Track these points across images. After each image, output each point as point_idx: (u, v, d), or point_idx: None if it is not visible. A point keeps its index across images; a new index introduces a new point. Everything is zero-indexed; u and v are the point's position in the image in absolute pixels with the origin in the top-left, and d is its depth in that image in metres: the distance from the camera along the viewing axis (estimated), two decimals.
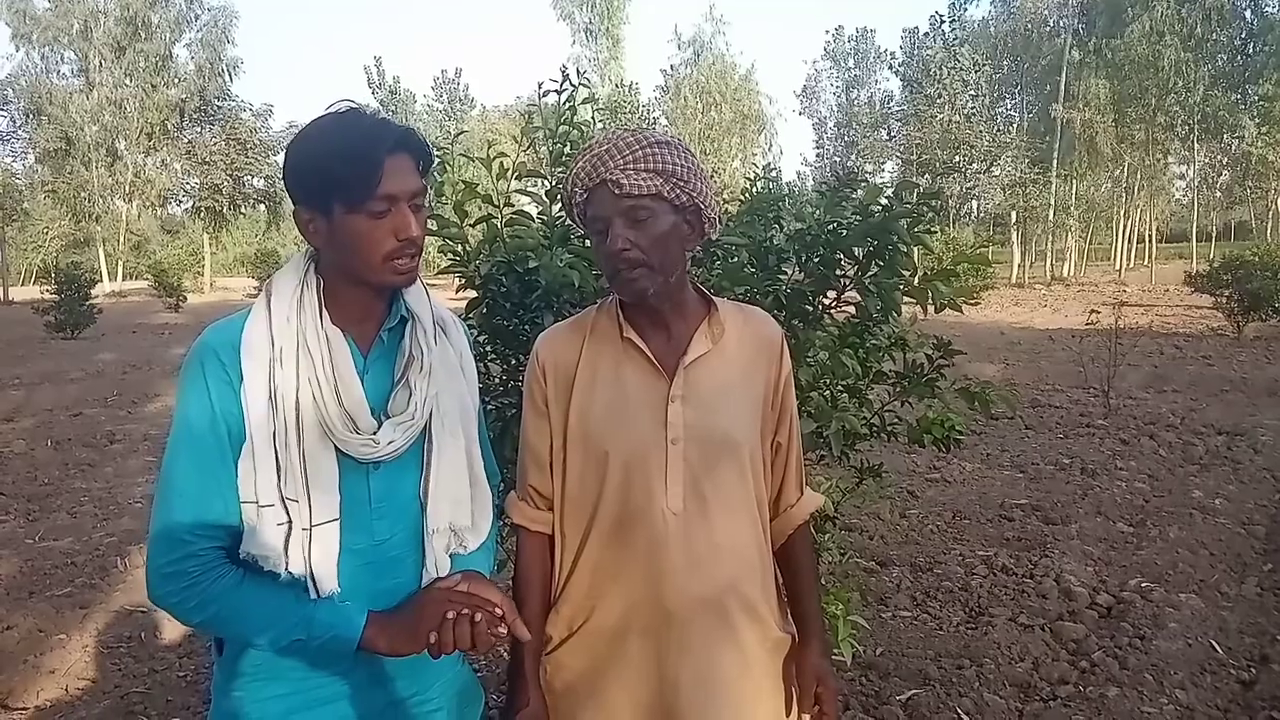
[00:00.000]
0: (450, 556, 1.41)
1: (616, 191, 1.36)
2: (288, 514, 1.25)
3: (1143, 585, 4.20)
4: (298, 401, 1.25)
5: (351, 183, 1.23)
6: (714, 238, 1.55)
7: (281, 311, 1.29)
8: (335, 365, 1.28)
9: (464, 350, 1.50)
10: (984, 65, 41.83)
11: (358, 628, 1.28)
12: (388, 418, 1.32)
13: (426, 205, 1.36)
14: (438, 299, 1.48)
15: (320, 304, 1.32)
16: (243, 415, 1.25)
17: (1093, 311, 11.60)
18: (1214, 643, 3.61)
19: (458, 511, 1.41)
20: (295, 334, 1.28)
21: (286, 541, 1.26)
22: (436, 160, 1.38)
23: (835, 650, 2.30)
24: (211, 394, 1.25)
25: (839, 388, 2.46)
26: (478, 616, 1.28)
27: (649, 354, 1.46)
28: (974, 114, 39.83)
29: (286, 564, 1.26)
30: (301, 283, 1.32)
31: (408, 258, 1.29)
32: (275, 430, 1.25)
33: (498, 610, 1.30)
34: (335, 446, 1.28)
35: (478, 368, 2.38)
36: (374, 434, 1.29)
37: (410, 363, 1.35)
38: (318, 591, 1.27)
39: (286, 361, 1.26)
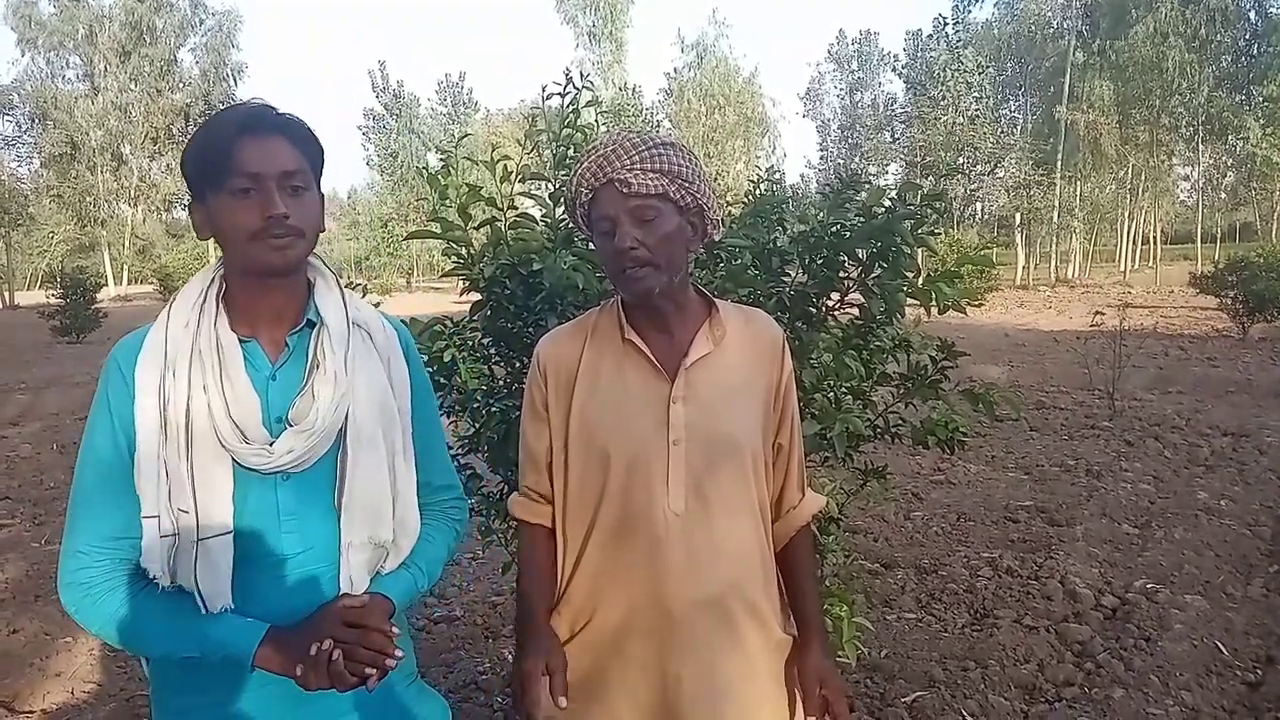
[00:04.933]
0: (371, 576, 1.34)
1: (625, 191, 1.36)
2: (175, 525, 1.21)
3: (1148, 587, 4.19)
4: (189, 410, 1.21)
5: (210, 164, 1.23)
6: (716, 239, 1.55)
7: (180, 318, 1.27)
8: (226, 372, 1.24)
9: (393, 356, 1.40)
10: (988, 67, 41.87)
11: (250, 646, 1.21)
12: (291, 426, 1.26)
13: (315, 190, 1.29)
14: (362, 302, 1.43)
15: (218, 308, 1.28)
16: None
17: (1097, 313, 11.54)
18: (1219, 644, 3.60)
19: (378, 525, 1.33)
20: (190, 340, 1.25)
21: (173, 554, 1.22)
22: (321, 147, 1.32)
23: (840, 652, 2.30)
24: (112, 406, 1.24)
25: (843, 389, 2.45)
26: (358, 652, 1.20)
27: (650, 355, 1.46)
28: (978, 116, 39.78)
29: (173, 577, 1.23)
30: (206, 286, 1.30)
31: (277, 237, 1.22)
32: (164, 440, 1.21)
33: (389, 636, 1.22)
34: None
35: (481, 370, 2.38)
36: (269, 444, 1.24)
37: (314, 368, 1.29)
38: (207, 607, 1.23)
39: (179, 369, 1.23)
